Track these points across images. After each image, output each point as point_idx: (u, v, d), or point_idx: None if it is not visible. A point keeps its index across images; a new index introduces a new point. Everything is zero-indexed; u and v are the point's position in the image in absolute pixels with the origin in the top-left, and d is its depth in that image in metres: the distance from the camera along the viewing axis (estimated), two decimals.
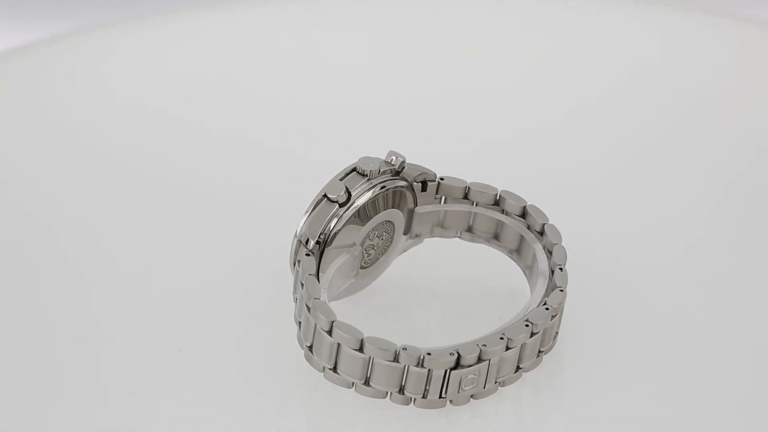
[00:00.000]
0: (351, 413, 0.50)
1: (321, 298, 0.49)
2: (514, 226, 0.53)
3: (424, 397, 0.49)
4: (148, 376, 0.51)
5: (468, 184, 0.54)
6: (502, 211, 0.54)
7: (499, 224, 0.54)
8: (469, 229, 0.55)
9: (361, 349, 0.48)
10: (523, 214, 0.53)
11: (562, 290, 0.50)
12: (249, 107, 0.65)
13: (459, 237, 0.55)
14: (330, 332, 0.48)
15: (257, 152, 0.63)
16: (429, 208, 0.54)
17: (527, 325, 0.49)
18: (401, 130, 0.62)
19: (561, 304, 0.50)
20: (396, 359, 0.48)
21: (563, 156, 0.62)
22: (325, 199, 0.51)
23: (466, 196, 0.54)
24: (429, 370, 0.48)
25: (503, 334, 0.49)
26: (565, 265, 0.51)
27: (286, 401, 0.51)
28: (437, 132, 0.63)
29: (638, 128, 0.63)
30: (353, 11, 0.69)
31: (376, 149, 0.53)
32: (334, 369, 0.49)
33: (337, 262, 0.52)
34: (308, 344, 0.50)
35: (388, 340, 0.48)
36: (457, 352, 0.48)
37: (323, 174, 0.52)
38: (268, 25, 0.70)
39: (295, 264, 0.52)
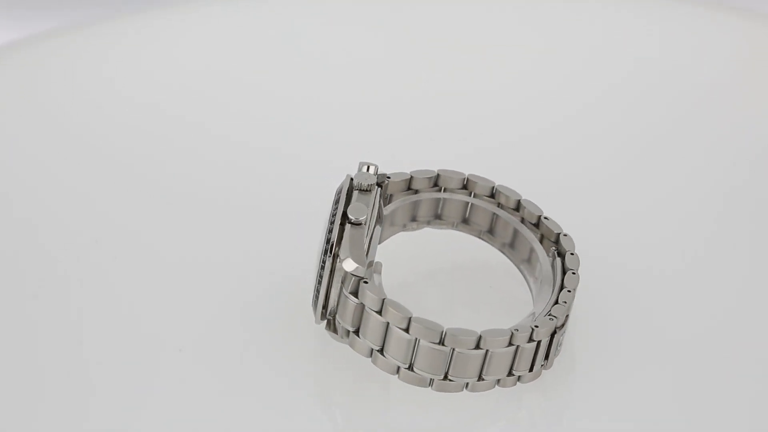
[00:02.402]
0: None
1: (416, 314, 0.48)
2: (458, 199, 0.55)
3: (530, 370, 0.50)
4: (150, 378, 0.50)
5: (410, 175, 0.54)
6: (441, 189, 0.55)
7: (441, 202, 0.55)
8: (413, 218, 0.55)
9: (478, 346, 0.48)
10: (465, 185, 0.55)
11: (573, 254, 0.53)
12: (249, 107, 0.63)
13: (403, 229, 0.55)
14: (442, 341, 0.48)
15: (257, 153, 0.60)
16: (390, 208, 0.54)
17: (574, 273, 0.52)
18: (401, 131, 0.61)
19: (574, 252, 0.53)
20: (510, 342, 0.48)
21: (564, 157, 0.62)
22: (350, 223, 0.49)
23: (409, 187, 0.54)
24: (538, 341, 0.49)
25: (567, 287, 0.51)
26: (551, 218, 0.54)
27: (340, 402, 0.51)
28: (437, 132, 0.61)
29: (642, 128, 0.63)
30: (353, 11, 0.66)
31: (376, 150, 0.53)
32: (446, 377, 0.48)
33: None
34: (406, 365, 0.48)
35: (501, 329, 0.48)
36: (553, 316, 0.50)
37: (323, 176, 0.52)
38: (268, 24, 0.67)
39: (338, 296, 0.49)
